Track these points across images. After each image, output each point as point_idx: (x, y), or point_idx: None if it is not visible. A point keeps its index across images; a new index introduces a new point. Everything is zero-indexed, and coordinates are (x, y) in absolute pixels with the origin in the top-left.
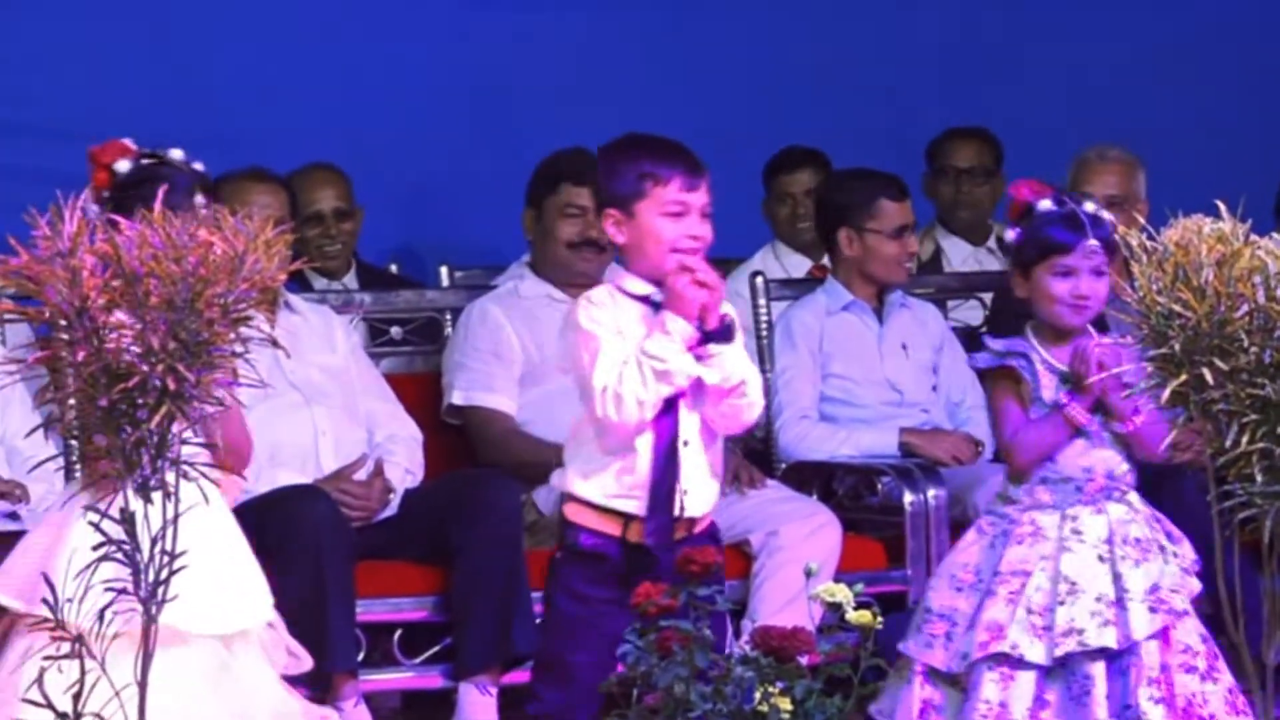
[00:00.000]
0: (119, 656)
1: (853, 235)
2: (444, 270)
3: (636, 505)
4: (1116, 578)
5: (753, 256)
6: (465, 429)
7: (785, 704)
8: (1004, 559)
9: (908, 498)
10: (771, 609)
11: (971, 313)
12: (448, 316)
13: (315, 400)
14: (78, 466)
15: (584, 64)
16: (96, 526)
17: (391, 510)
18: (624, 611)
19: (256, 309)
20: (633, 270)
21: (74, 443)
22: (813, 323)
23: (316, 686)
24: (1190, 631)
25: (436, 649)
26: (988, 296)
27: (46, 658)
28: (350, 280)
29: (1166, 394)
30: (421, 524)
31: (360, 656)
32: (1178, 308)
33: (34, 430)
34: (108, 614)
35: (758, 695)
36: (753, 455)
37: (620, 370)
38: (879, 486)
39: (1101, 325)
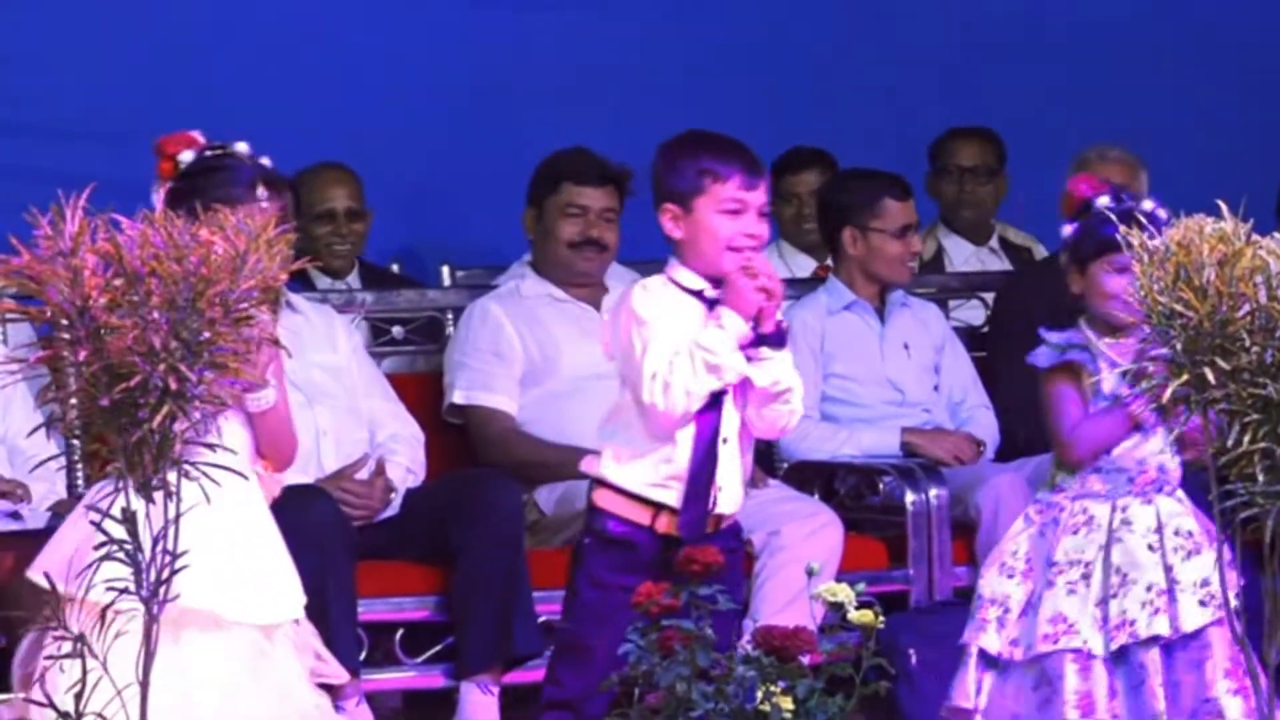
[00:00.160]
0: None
1: (857, 234)
2: (445, 270)
3: (671, 496)
4: (1168, 569)
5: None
6: (466, 428)
7: (787, 703)
8: (1059, 548)
9: (909, 497)
10: (773, 608)
11: (973, 312)
12: (449, 316)
13: (317, 400)
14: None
15: (584, 64)
16: (98, 526)
17: (393, 510)
18: None
19: (259, 308)
20: (687, 265)
21: (75, 442)
22: (814, 322)
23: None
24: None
25: (438, 648)
26: (989, 296)
27: (48, 657)
28: (354, 280)
29: (1168, 394)
30: (423, 523)
31: (362, 656)
32: (1179, 307)
33: (36, 430)
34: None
35: (759, 695)
36: (755, 455)
37: (671, 359)
38: (881, 486)
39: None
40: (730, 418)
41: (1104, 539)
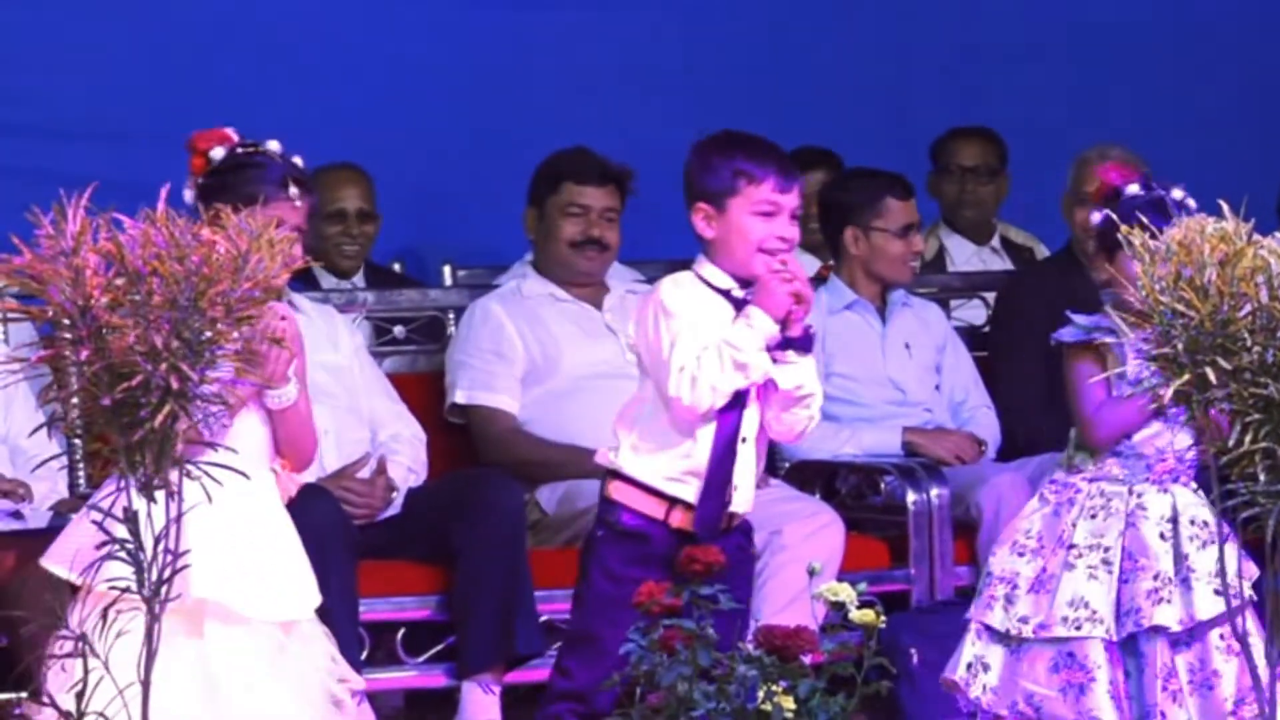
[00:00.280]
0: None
1: (858, 234)
2: (447, 269)
3: (686, 491)
4: (1183, 557)
5: None
6: (468, 428)
7: (788, 703)
8: (1078, 531)
9: (911, 497)
10: (775, 608)
11: (975, 312)
12: (450, 316)
13: (318, 399)
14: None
15: (586, 64)
16: (99, 525)
17: (394, 509)
18: None
19: (260, 308)
20: (716, 264)
21: (77, 442)
22: (815, 322)
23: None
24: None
25: (439, 648)
26: (991, 296)
27: (50, 656)
28: (359, 281)
29: (1169, 393)
30: (424, 523)
31: (363, 655)
32: (1180, 307)
33: (37, 429)
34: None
35: (761, 694)
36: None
37: (700, 354)
38: (882, 486)
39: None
40: (751, 418)
41: (1122, 524)
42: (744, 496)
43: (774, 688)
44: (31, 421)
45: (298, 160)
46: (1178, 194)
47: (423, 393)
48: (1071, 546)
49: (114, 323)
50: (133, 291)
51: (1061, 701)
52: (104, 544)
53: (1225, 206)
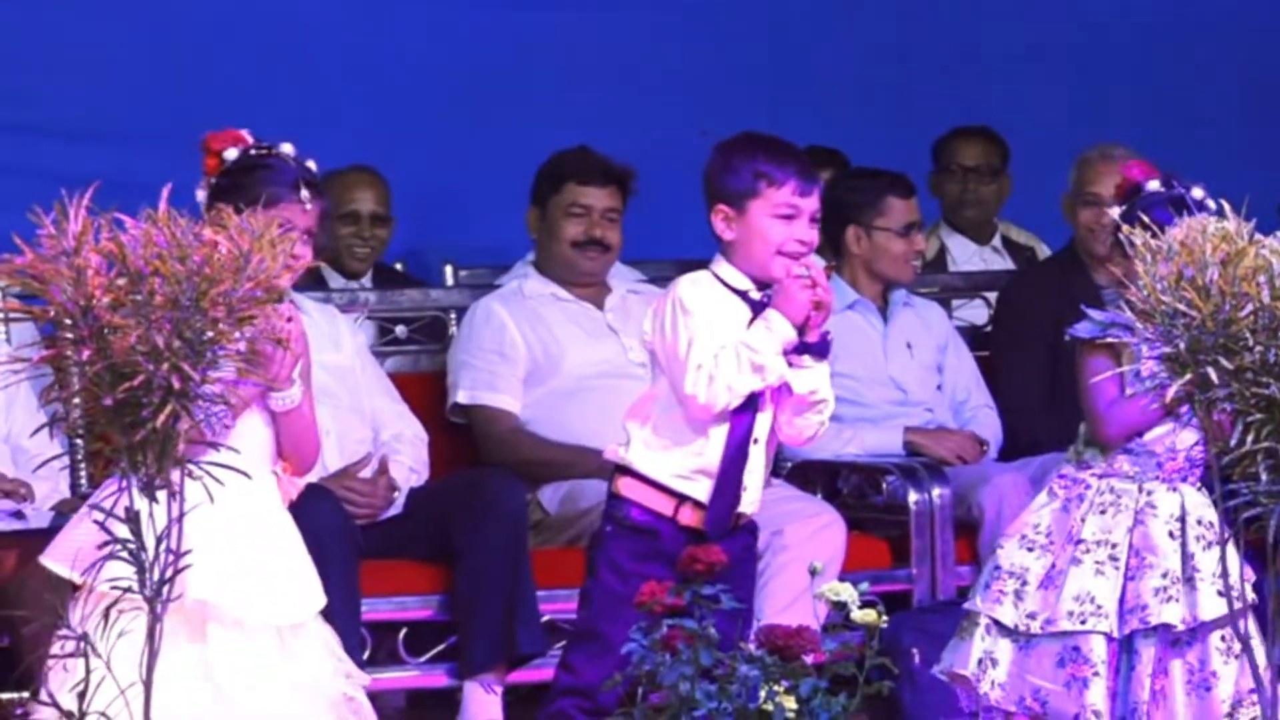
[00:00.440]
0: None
1: (860, 233)
2: (449, 269)
3: (696, 489)
4: (1189, 557)
5: None
6: (470, 428)
7: (790, 702)
8: (1086, 526)
9: (912, 497)
10: (776, 608)
11: (976, 312)
12: (452, 315)
13: (320, 400)
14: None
15: (588, 64)
16: (101, 525)
17: (396, 509)
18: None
19: (261, 308)
20: (734, 265)
21: (78, 442)
22: None
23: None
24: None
25: (441, 648)
26: (992, 295)
27: (52, 656)
28: (366, 283)
29: (1171, 393)
30: (426, 523)
31: (365, 655)
32: (1182, 307)
33: (39, 429)
34: (112, 612)
35: (763, 694)
36: None
37: (718, 354)
38: (884, 485)
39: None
40: (764, 420)
41: (1130, 521)
42: (752, 497)
43: (776, 687)
44: (33, 421)
45: (311, 164)
46: (1198, 193)
47: (424, 393)
48: (1079, 542)
49: (116, 323)
50: (134, 291)
51: (1066, 696)
52: (106, 543)
53: (1227, 206)
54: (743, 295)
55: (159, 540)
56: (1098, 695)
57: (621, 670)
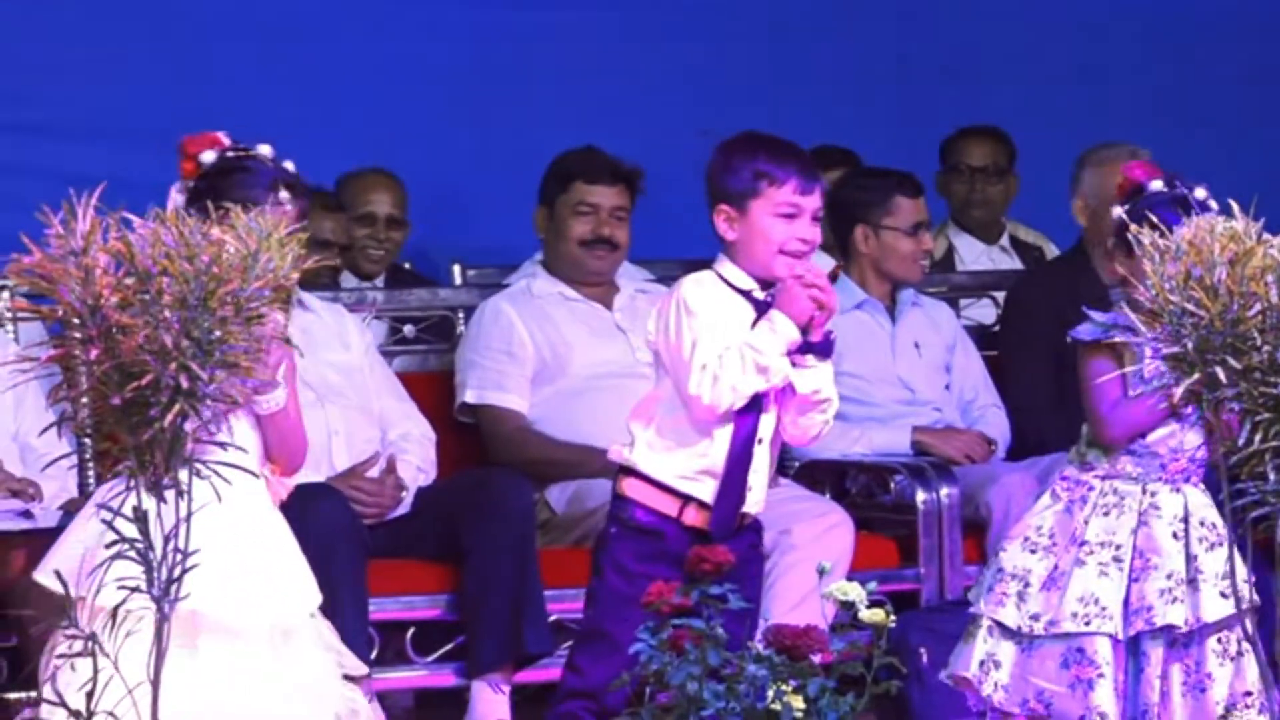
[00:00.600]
0: (142, 654)
1: (868, 232)
2: (456, 269)
3: (701, 489)
4: (1192, 558)
5: None
6: (478, 427)
7: (798, 702)
8: (1090, 528)
9: (920, 496)
10: (784, 607)
11: (984, 311)
12: (460, 315)
13: (329, 399)
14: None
15: (597, 63)
16: (109, 525)
17: (404, 509)
18: None
19: (270, 307)
20: (738, 265)
21: (87, 441)
22: None
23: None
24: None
25: (449, 647)
26: (1000, 295)
27: (60, 655)
28: (379, 283)
29: (1179, 393)
30: (434, 522)
31: (373, 655)
32: (1190, 306)
33: (48, 428)
34: (120, 612)
35: (770, 693)
36: None
37: (722, 355)
38: (892, 485)
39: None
40: (768, 420)
41: (1134, 522)
42: (757, 497)
43: (783, 687)
44: (41, 420)
45: (288, 164)
46: (1200, 193)
47: (432, 392)
48: (1083, 543)
49: (124, 322)
50: (142, 291)
51: (1070, 697)
52: (113, 543)
53: (1235, 206)
54: (746, 295)
55: (166, 540)
56: (1104, 696)
57: (628, 671)
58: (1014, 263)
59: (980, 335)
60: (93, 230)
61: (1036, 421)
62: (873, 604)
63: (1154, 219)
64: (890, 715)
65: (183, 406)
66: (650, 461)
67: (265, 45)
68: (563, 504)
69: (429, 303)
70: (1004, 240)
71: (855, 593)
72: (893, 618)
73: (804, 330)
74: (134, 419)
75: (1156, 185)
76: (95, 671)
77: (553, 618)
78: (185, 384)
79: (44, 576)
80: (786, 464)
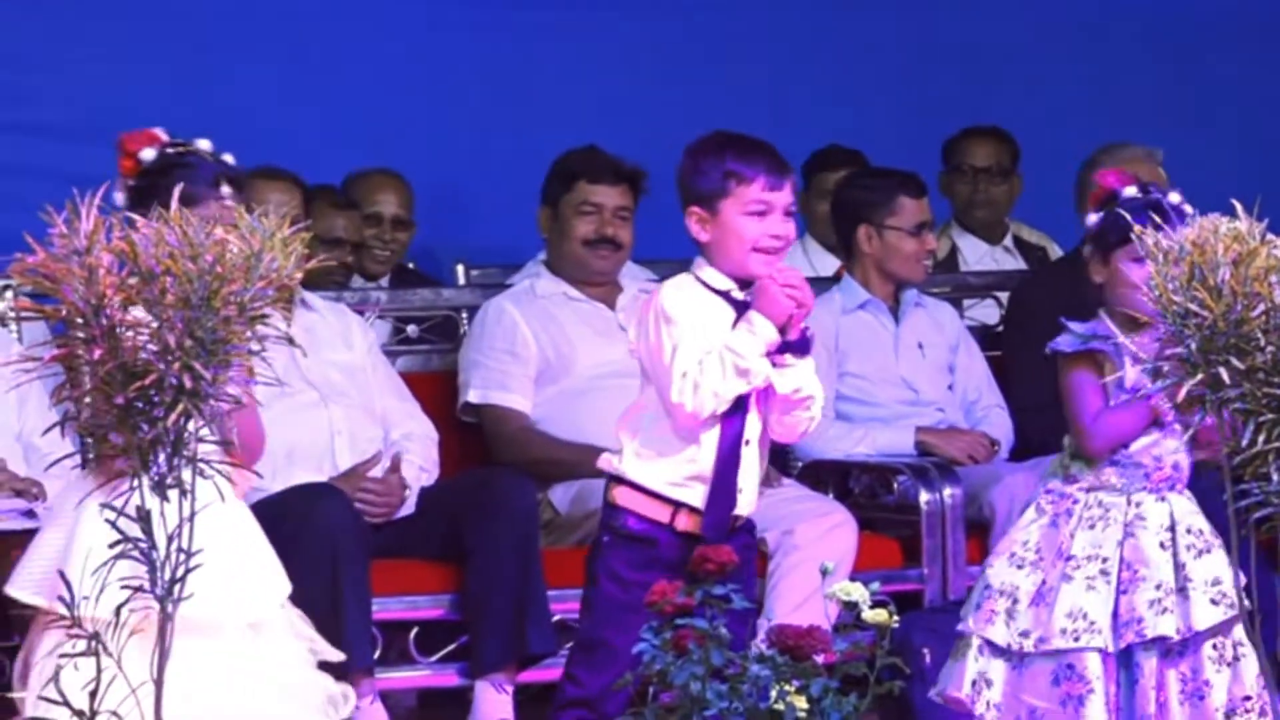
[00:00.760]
0: (135, 654)
1: (872, 232)
2: (460, 268)
3: (691, 495)
4: (1180, 567)
5: None
6: (481, 427)
7: (801, 702)
8: (1075, 542)
9: (924, 496)
10: (787, 607)
11: (988, 312)
12: (464, 315)
13: (332, 399)
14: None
15: (600, 63)
16: (113, 524)
17: (408, 509)
18: None
19: (273, 307)
20: (714, 266)
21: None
22: (828, 321)
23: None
24: (1243, 631)
25: (452, 647)
26: (1004, 296)
27: (63, 655)
28: (384, 283)
29: (1183, 393)
30: (437, 522)
31: (376, 654)
32: (1194, 307)
33: (51, 428)
34: (124, 611)
35: (774, 694)
36: (769, 454)
37: (702, 360)
38: (895, 485)
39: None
40: (753, 421)
41: (1120, 534)
42: (748, 499)
43: (787, 687)
44: (45, 420)
45: (228, 158)
46: (1175, 198)
47: (436, 392)
48: (1070, 558)
49: (128, 321)
50: (146, 290)
51: (1062, 714)
52: (116, 543)
53: (1239, 206)
54: (725, 296)
55: (170, 539)
56: (1096, 712)
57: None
58: (1017, 263)
59: (983, 336)
60: (96, 230)
61: (1040, 422)
62: (876, 604)
63: (1128, 225)
64: (893, 716)
65: (186, 406)
66: (639, 470)
67: (267, 44)
68: (566, 504)
69: (432, 303)
70: (1007, 241)
71: (858, 593)
72: (896, 618)
73: (782, 330)
74: (137, 419)
75: (1130, 191)
76: (99, 671)
77: (556, 618)
78: (189, 384)
79: (17, 590)
80: (790, 464)
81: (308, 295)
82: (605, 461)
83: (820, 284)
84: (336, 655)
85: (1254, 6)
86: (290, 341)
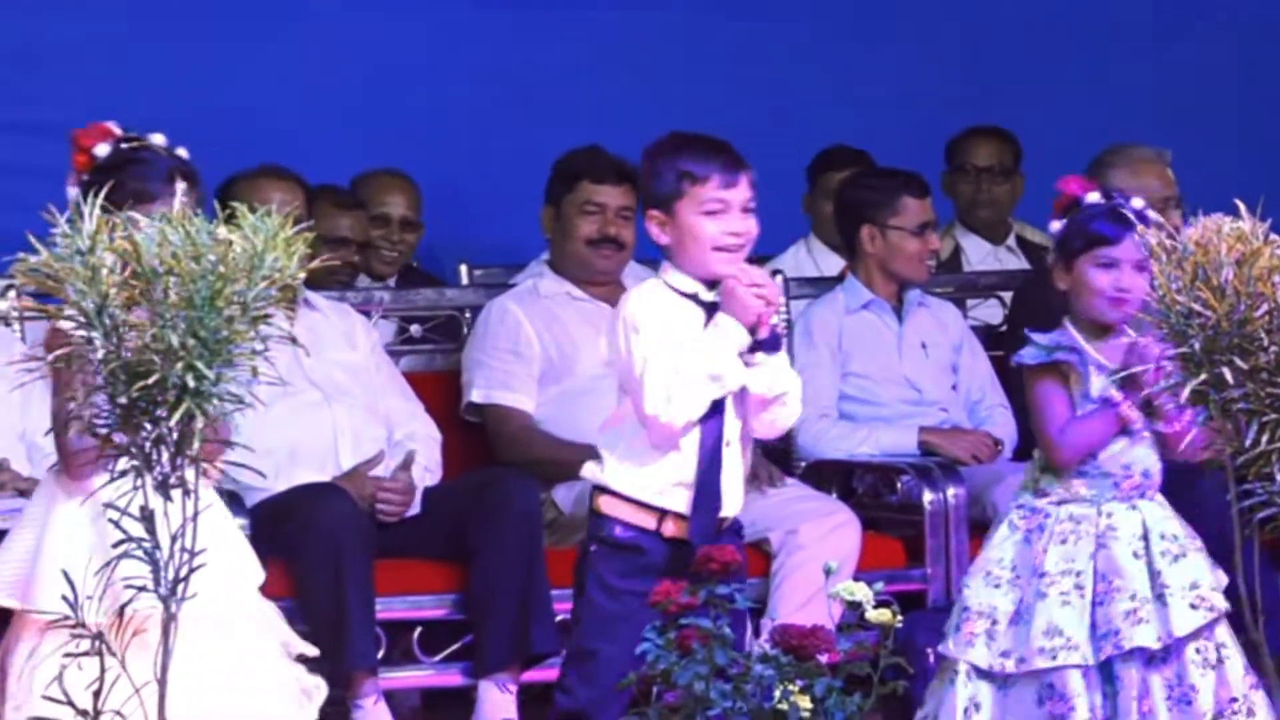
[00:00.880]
0: (128, 653)
1: (875, 232)
2: (463, 268)
3: (676, 501)
4: (1155, 575)
5: (784, 252)
6: (484, 427)
7: (805, 702)
8: (1049, 557)
9: (927, 496)
10: (791, 607)
11: (991, 311)
12: (467, 315)
13: (335, 398)
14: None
15: (603, 62)
16: (116, 524)
17: (413, 508)
18: None
19: (276, 307)
20: (679, 269)
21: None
22: (832, 321)
23: (336, 684)
24: (1225, 631)
25: (456, 647)
26: (1007, 295)
27: (67, 655)
28: (391, 284)
29: (1186, 393)
30: (441, 522)
31: (380, 654)
32: (1197, 307)
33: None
34: (128, 611)
35: (777, 693)
36: (772, 454)
37: (674, 370)
38: (898, 485)
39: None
40: (731, 422)
41: (1092, 546)
42: (734, 500)
43: (790, 687)
44: (48, 420)
45: (182, 152)
46: (1138, 203)
47: (439, 391)
48: (1043, 574)
49: (130, 321)
50: (149, 290)
51: None
52: (120, 542)
53: (1242, 206)
54: (693, 298)
55: (174, 539)
56: None
57: (616, 688)
58: (1021, 263)
59: (987, 335)
60: (99, 229)
61: None
62: (879, 604)
63: (1091, 232)
64: (897, 715)
65: (189, 406)
66: (622, 479)
67: (269, 44)
68: (569, 504)
69: (436, 302)
70: (1010, 240)
71: (862, 593)
72: (899, 618)
73: (752, 330)
74: (140, 418)
75: (1093, 197)
76: (102, 671)
77: (559, 617)
78: (191, 383)
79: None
80: (793, 464)
81: (311, 295)
82: (589, 470)
83: (824, 284)
84: (310, 650)
85: (1260, 6)
86: (293, 341)
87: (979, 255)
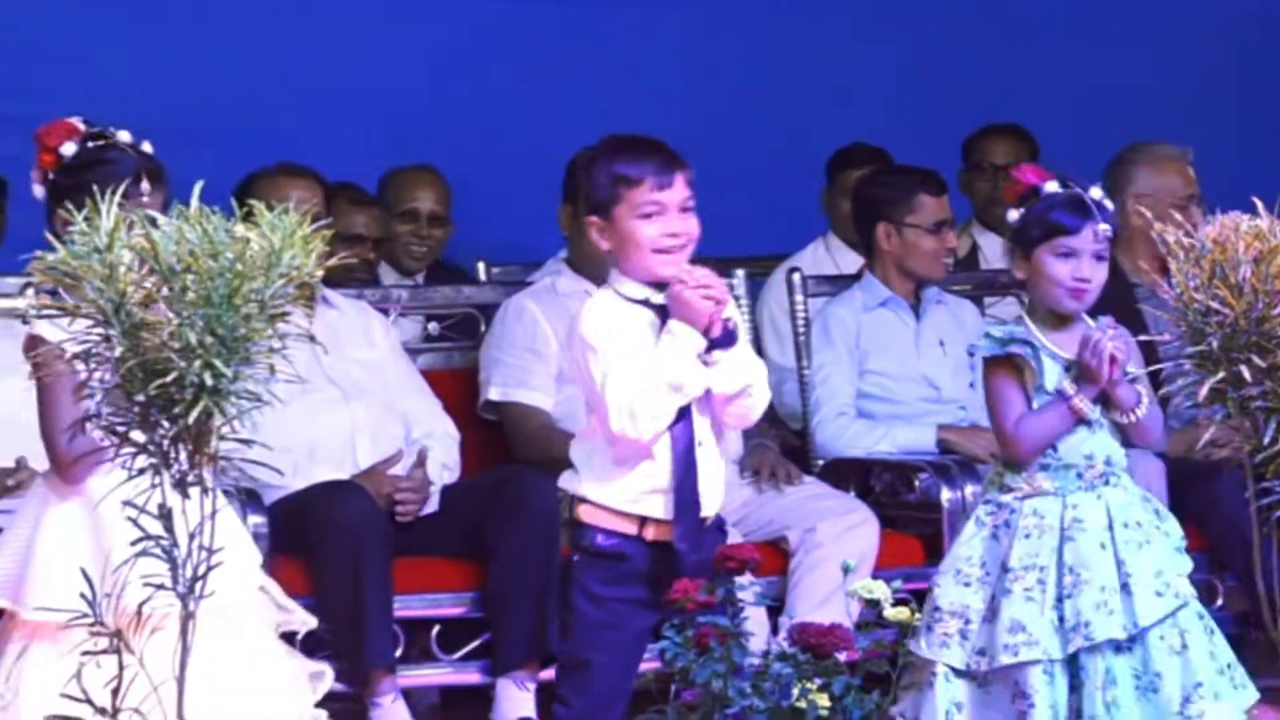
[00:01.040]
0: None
1: (891, 230)
2: (481, 266)
3: (654, 507)
4: (1120, 564)
5: (802, 250)
6: (502, 425)
7: (823, 700)
8: (1013, 553)
9: (945, 494)
10: (809, 605)
11: (1009, 309)
12: (485, 313)
13: (353, 396)
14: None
15: (622, 59)
16: (135, 522)
17: (430, 507)
18: (645, 610)
19: (294, 304)
20: (625, 274)
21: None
22: (850, 319)
23: (354, 681)
24: (1191, 616)
25: (474, 645)
26: (1024, 294)
27: (85, 653)
28: (420, 280)
29: (1204, 391)
30: (459, 520)
31: (398, 652)
32: (1215, 305)
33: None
34: (144, 609)
35: (795, 691)
36: (790, 452)
37: (634, 387)
38: (916, 483)
39: (1092, 313)
40: (700, 422)
41: (1057, 540)
42: (714, 499)
43: (809, 685)
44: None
45: (147, 147)
46: (1096, 193)
47: (457, 389)
48: (1009, 570)
49: (148, 319)
50: (167, 288)
51: None
52: (138, 540)
53: (1260, 204)
54: (644, 303)
55: (191, 537)
56: None
57: (612, 695)
58: None
59: None
60: (116, 227)
61: None
62: (897, 602)
63: (1050, 221)
64: None
65: (207, 404)
66: (599, 491)
67: (285, 42)
68: None
69: (454, 300)
70: None
71: (880, 591)
72: (917, 616)
73: (705, 331)
74: (158, 416)
75: (1052, 187)
76: (121, 669)
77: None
78: (209, 381)
79: None
80: (810, 462)
81: (329, 292)
82: (566, 480)
83: (842, 282)
84: (310, 622)
85: (1272, 3)
86: (311, 339)
87: (996, 253)
